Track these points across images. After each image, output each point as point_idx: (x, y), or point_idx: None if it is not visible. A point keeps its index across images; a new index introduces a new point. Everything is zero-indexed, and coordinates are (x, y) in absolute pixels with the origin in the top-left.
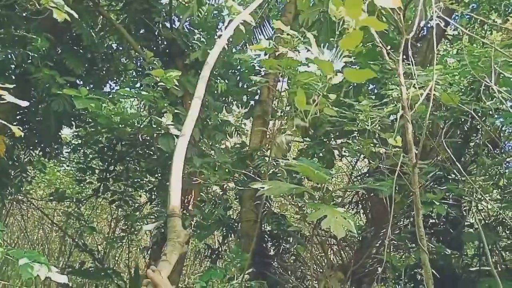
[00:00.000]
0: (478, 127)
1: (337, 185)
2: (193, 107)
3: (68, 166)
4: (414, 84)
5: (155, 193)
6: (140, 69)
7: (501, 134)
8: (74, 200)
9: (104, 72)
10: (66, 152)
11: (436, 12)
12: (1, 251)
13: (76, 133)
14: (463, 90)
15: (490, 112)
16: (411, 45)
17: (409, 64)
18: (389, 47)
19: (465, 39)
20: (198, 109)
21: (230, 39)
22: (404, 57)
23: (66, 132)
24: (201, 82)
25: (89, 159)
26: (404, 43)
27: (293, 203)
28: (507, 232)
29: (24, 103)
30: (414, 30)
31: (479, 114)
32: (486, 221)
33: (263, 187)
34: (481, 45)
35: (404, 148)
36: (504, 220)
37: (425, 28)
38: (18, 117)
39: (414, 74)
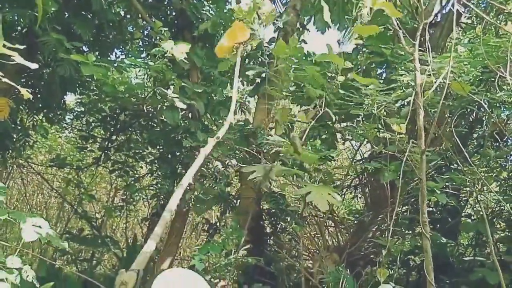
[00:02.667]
0: (483, 119)
1: (337, 169)
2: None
3: (70, 133)
4: (429, 71)
5: (156, 165)
6: (147, 39)
7: (506, 127)
8: (75, 167)
9: (110, 40)
10: (69, 119)
11: None
12: (2, 212)
13: (79, 100)
14: (472, 80)
15: (497, 104)
16: (424, 32)
17: (422, 50)
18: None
19: (478, 28)
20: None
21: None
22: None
23: (70, 99)
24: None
25: (91, 127)
26: (419, 29)
27: (293, 182)
28: (503, 224)
29: (33, 66)
30: (432, 15)
31: (487, 106)
32: (485, 213)
33: (255, 171)
34: (496, 34)
35: (409, 134)
36: (501, 212)
37: (439, 14)
38: (22, 80)
39: (430, 61)
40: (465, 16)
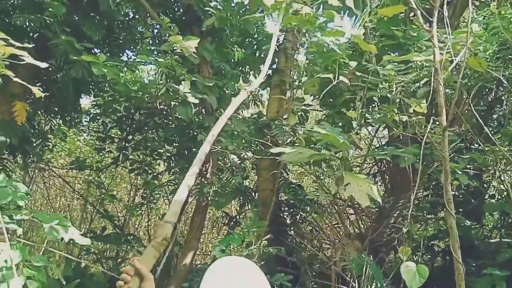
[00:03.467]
0: (503, 98)
1: (354, 156)
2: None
3: (88, 135)
4: (447, 48)
5: (173, 161)
6: (157, 38)
7: None
8: (95, 169)
9: (121, 40)
10: (85, 121)
11: None
12: (26, 213)
13: (94, 102)
14: (488, 59)
15: None
16: (436, 11)
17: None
18: (412, 14)
19: (493, 6)
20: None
21: (247, 7)
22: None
23: (85, 102)
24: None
25: (108, 128)
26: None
27: (310, 172)
28: None
29: (43, 65)
30: None
31: (505, 84)
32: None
33: (283, 152)
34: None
35: (427, 116)
36: None
37: None
38: (37, 85)
39: (449, 37)
40: None
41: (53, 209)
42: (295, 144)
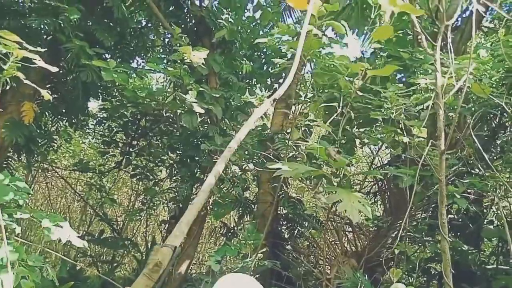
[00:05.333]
0: (507, 124)
1: (355, 174)
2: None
3: (93, 138)
4: (449, 73)
5: (175, 169)
6: (168, 47)
7: None
8: (97, 172)
9: (132, 47)
10: (91, 124)
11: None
12: (26, 212)
13: (102, 106)
14: (494, 85)
15: None
16: (444, 35)
17: (442, 53)
18: (419, 36)
19: (501, 32)
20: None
21: (258, 20)
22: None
23: (93, 106)
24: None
25: (113, 132)
26: (441, 31)
27: (310, 187)
28: None
29: (54, 69)
30: (454, 17)
31: (510, 110)
32: (508, 219)
33: (281, 168)
34: None
35: (429, 139)
36: None
37: (459, 18)
38: (47, 87)
39: (452, 61)
40: (487, 20)
41: (53, 209)
42: (297, 159)
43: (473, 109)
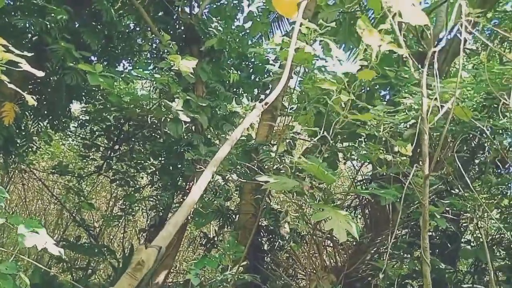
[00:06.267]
0: (486, 145)
1: (337, 188)
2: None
3: (73, 140)
4: (434, 96)
5: (157, 176)
6: (155, 52)
7: (508, 154)
8: (76, 175)
9: (119, 50)
10: (73, 127)
11: (461, 24)
12: (2, 217)
13: (85, 109)
14: (475, 106)
15: (500, 131)
16: (427, 61)
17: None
18: (405, 56)
19: (483, 55)
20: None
21: (247, 30)
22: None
23: (76, 107)
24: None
25: (95, 136)
26: (426, 53)
27: (293, 200)
28: (503, 253)
29: (40, 73)
30: (439, 42)
31: (489, 132)
32: (485, 240)
33: (268, 181)
34: (500, 61)
35: (411, 157)
36: (502, 240)
37: (443, 39)
38: (30, 87)
39: (438, 88)
40: (469, 43)
41: (28, 211)
42: (281, 171)
43: (454, 128)
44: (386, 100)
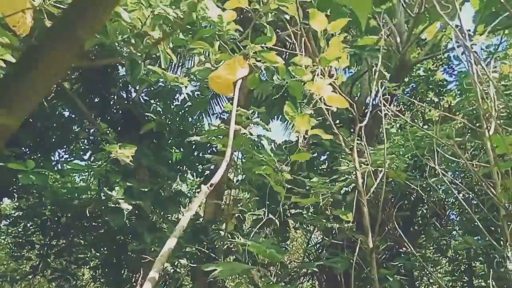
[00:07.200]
0: (423, 197)
1: (293, 254)
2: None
3: (4, 239)
4: (366, 163)
5: (100, 270)
6: (92, 137)
7: (445, 204)
8: (8, 280)
9: (54, 140)
10: (4, 226)
11: (381, 98)
12: None
13: (16, 205)
14: (407, 165)
15: (429, 188)
16: (357, 121)
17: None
18: (337, 121)
19: (407, 115)
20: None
21: (187, 108)
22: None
23: (6, 202)
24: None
25: (29, 232)
26: (355, 123)
27: (248, 280)
28: None
29: None
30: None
31: (424, 186)
32: None
33: (216, 269)
34: (422, 119)
35: (357, 221)
36: None
37: (370, 105)
38: None
39: (368, 160)
40: (394, 104)
41: None
42: (233, 250)
43: (392, 188)
44: (326, 166)
